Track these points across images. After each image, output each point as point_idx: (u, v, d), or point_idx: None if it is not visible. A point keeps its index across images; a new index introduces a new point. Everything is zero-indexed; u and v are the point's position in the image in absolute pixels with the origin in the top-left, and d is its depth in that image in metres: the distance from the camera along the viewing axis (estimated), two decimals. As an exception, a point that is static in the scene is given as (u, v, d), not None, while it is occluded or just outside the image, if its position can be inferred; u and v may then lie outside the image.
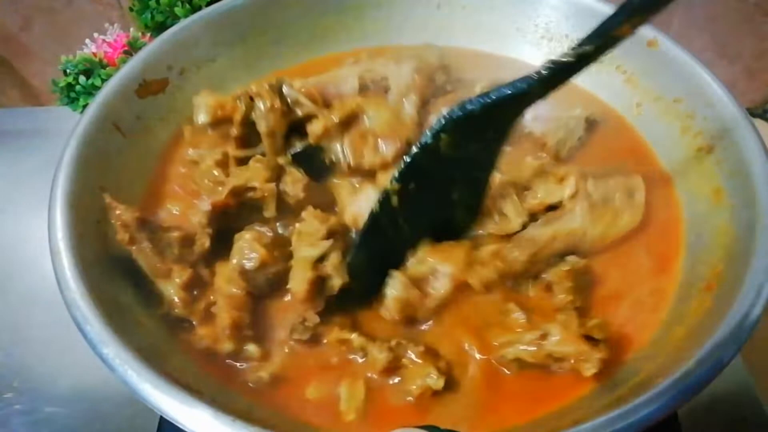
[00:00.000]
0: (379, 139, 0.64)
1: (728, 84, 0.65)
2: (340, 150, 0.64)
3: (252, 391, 0.53)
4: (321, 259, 0.56)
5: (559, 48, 0.79)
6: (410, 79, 0.70)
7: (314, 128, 0.63)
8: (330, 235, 0.57)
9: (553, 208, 0.62)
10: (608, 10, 0.74)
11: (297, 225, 0.59)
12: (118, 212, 0.57)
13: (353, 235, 0.61)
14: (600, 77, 0.76)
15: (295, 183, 0.62)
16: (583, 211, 0.60)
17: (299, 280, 0.56)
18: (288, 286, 0.57)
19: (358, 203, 0.62)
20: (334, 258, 0.56)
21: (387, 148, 0.64)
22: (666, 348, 0.54)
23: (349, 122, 0.64)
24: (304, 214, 0.59)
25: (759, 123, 1.08)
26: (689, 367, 0.46)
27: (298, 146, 0.64)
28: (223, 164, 0.65)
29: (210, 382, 0.53)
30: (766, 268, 0.51)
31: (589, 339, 0.52)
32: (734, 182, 0.60)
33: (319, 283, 0.56)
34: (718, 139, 0.64)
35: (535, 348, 0.53)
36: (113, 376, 0.47)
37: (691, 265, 0.60)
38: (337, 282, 0.55)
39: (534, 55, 0.80)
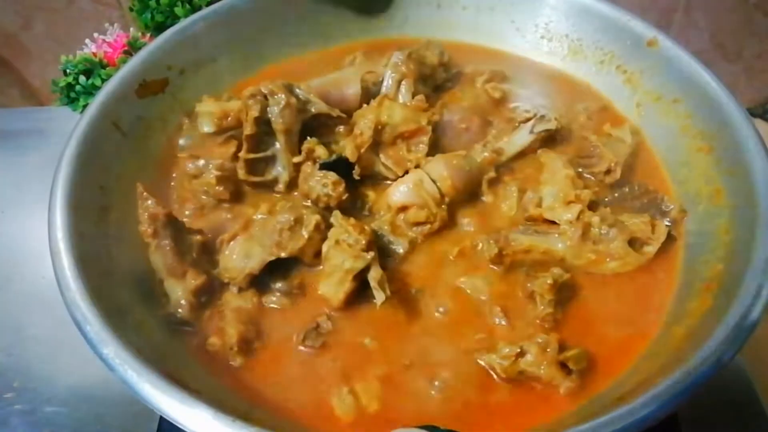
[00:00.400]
0: (408, 140, 0.65)
1: (728, 84, 0.65)
2: (383, 167, 0.65)
3: (253, 393, 0.53)
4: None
5: (558, 48, 0.79)
6: (404, 67, 0.70)
7: (349, 152, 0.63)
8: (369, 246, 0.57)
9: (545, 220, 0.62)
10: (607, 9, 0.74)
11: (331, 231, 0.59)
12: (148, 203, 0.57)
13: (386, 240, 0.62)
14: (600, 77, 0.76)
15: (335, 185, 0.62)
16: (570, 240, 0.60)
17: (336, 289, 0.56)
18: (320, 292, 0.58)
19: (400, 187, 0.63)
20: (376, 272, 0.56)
21: (420, 146, 0.65)
22: (666, 348, 0.54)
23: (377, 135, 0.64)
24: (333, 219, 0.59)
25: (759, 123, 1.08)
26: (689, 367, 0.46)
27: (325, 157, 0.63)
28: (224, 180, 0.64)
29: (210, 383, 0.53)
30: (766, 268, 0.51)
31: (564, 366, 0.52)
32: (734, 182, 0.60)
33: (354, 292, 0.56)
34: (718, 139, 0.63)
35: (507, 362, 0.53)
36: (113, 375, 0.47)
37: (691, 267, 0.60)
38: (380, 297, 0.54)
39: (534, 55, 0.80)
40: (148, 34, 0.87)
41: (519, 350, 0.53)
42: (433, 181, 0.63)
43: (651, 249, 0.60)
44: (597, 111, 0.74)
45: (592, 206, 0.62)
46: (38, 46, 1.13)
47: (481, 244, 0.61)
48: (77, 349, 0.49)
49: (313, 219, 0.58)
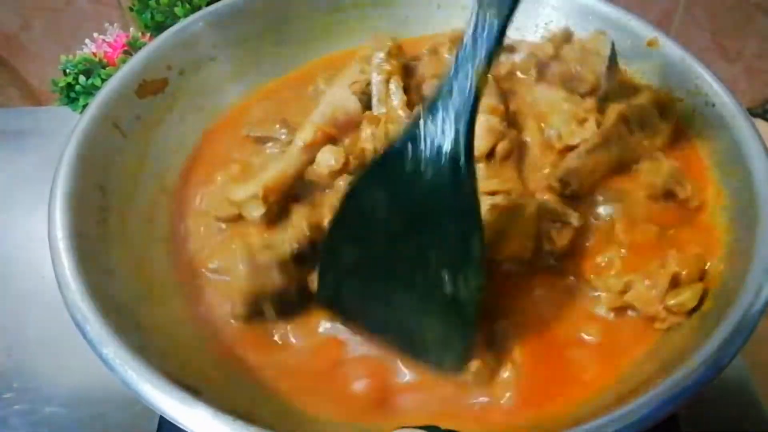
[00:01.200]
0: None
1: (729, 84, 0.65)
2: None
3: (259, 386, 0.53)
4: None
5: (559, 48, 0.78)
6: (387, 66, 0.69)
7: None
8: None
9: (571, 147, 0.64)
10: (607, 9, 0.74)
11: None
12: None
13: None
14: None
15: None
16: (620, 139, 0.62)
17: None
18: None
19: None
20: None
21: None
22: (666, 347, 0.54)
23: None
24: None
25: (759, 123, 1.08)
26: (689, 367, 0.46)
27: None
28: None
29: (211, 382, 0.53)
30: (767, 268, 0.51)
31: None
32: (734, 182, 0.60)
33: None
34: (719, 139, 0.63)
35: (610, 296, 0.55)
36: (113, 376, 0.47)
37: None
38: (576, 216, 0.57)
39: (534, 54, 0.80)
40: (148, 34, 0.87)
41: (624, 285, 0.55)
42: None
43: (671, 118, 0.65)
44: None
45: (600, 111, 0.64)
46: (37, 46, 1.13)
47: (557, 183, 0.61)
48: (77, 349, 0.49)
49: None
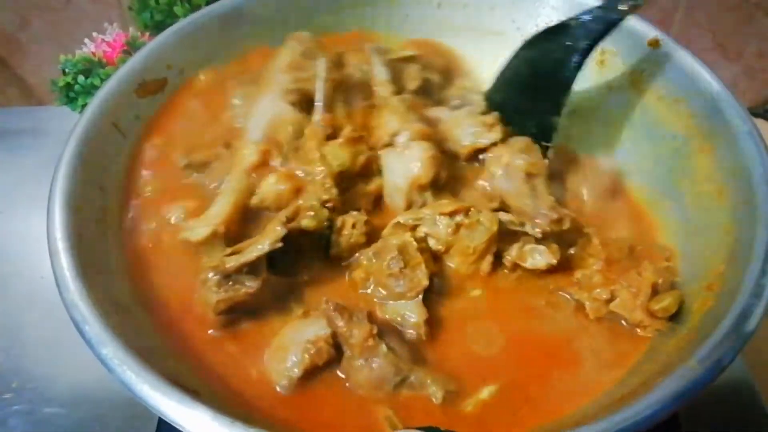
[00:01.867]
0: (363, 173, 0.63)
1: (729, 83, 0.65)
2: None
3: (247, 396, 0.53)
4: None
5: (559, 47, 0.78)
6: (334, 74, 0.68)
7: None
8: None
9: (480, 151, 0.66)
10: (609, 9, 0.74)
11: (431, 233, 0.58)
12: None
13: None
14: (601, 77, 0.76)
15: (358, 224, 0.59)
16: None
17: (478, 263, 0.58)
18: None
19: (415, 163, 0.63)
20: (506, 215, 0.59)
21: (375, 181, 0.64)
22: (667, 348, 0.53)
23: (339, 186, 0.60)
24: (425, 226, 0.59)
25: (760, 122, 1.08)
26: (690, 367, 0.46)
27: (313, 225, 0.59)
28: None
29: (209, 384, 0.53)
30: (767, 269, 0.51)
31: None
32: (735, 182, 0.60)
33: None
34: (719, 139, 0.63)
35: (596, 305, 0.56)
36: (112, 376, 0.47)
37: (692, 264, 0.60)
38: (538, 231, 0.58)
39: (534, 54, 0.80)
40: (148, 34, 0.87)
41: (609, 294, 0.56)
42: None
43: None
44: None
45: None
46: (37, 45, 1.13)
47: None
48: (76, 349, 0.49)
49: (412, 244, 0.57)
